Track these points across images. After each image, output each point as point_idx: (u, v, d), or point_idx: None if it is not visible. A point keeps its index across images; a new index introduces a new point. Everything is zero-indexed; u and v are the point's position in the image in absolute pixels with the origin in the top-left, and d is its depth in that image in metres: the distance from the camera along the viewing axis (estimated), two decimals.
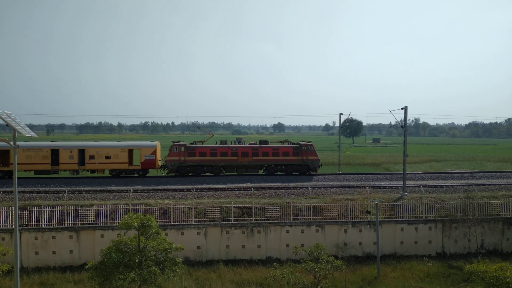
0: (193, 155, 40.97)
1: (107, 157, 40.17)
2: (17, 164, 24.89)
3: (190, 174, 41.08)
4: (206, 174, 41.45)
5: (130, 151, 41.42)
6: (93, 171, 41.04)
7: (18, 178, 24.29)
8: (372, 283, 24.54)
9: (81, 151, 40.10)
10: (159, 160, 42.52)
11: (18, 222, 22.23)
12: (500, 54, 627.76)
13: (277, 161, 41.77)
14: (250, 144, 44.28)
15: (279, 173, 42.12)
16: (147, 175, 41.72)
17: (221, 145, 42.27)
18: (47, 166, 39.29)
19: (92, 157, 39.97)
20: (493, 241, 30.61)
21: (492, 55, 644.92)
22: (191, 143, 42.60)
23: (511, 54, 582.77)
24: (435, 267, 27.14)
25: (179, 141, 43.09)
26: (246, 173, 41.81)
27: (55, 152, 39.76)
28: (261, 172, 43.06)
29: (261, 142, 43.82)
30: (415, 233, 29.86)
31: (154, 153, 41.03)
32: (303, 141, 43.85)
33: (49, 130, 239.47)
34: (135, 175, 41.26)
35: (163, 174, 41.84)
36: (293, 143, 43.94)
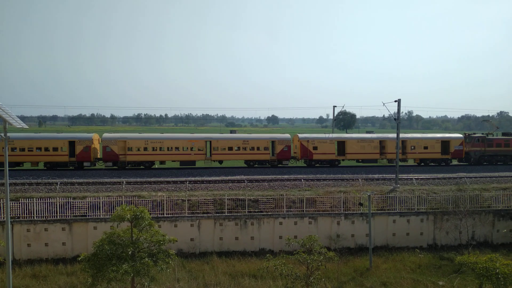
0: (492, 146, 48.63)
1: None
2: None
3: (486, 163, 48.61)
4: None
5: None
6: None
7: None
8: (364, 275, 24.77)
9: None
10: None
11: (10, 214, 22.10)
12: (493, 47, 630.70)
13: None
14: None
15: None
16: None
17: None
18: None
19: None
20: (483, 233, 31.00)
21: (485, 48, 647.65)
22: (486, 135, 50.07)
23: (504, 48, 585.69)
24: (426, 259, 27.45)
25: (474, 133, 51.12)
26: None
27: None
28: None
29: None
30: (407, 225, 30.14)
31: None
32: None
33: (41, 121, 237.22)
34: (71, 167, 41.71)
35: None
36: None
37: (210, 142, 44.27)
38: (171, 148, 43.00)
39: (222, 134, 53.54)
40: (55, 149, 41.15)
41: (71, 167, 41.91)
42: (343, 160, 47.14)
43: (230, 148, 44.08)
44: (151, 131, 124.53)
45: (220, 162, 45.66)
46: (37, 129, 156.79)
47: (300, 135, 46.51)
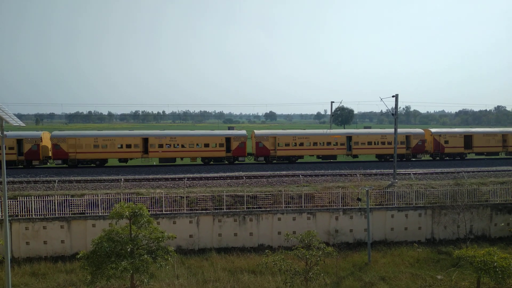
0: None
1: None
2: None
3: None
4: None
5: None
6: None
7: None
8: (363, 269, 24.85)
9: None
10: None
11: (8, 213, 22.09)
12: (494, 43, 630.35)
13: None
14: None
15: None
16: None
17: None
18: None
19: None
20: (481, 227, 31.11)
21: (485, 44, 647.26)
22: None
23: (503, 45, 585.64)
24: (424, 253, 27.55)
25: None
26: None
27: None
28: None
29: None
30: (405, 219, 30.23)
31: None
32: None
33: (38, 119, 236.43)
34: (20, 166, 41.41)
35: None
36: None
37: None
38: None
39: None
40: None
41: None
42: (469, 153, 49.20)
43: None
44: (148, 128, 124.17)
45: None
46: (35, 127, 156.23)
47: (433, 130, 48.44)
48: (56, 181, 31.53)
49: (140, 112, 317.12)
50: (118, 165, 42.95)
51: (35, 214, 27.26)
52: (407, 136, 46.97)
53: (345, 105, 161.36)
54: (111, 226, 18.83)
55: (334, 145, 45.76)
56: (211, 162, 44.13)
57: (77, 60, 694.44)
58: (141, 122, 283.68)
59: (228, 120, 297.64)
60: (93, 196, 28.32)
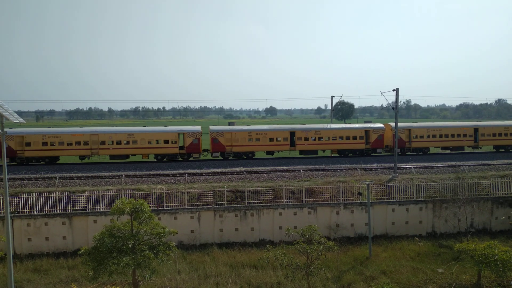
0: None
1: None
2: None
3: None
4: None
5: (180, 135, 43.42)
6: None
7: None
8: (364, 263, 24.91)
9: None
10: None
11: (10, 209, 22.13)
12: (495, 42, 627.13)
13: None
14: None
15: None
16: None
17: None
18: None
19: None
20: (482, 220, 31.14)
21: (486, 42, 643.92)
22: None
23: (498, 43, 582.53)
24: (425, 247, 27.59)
25: None
26: None
27: None
28: None
29: None
30: (406, 213, 30.25)
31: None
32: None
33: (39, 116, 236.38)
34: (180, 159, 43.33)
35: None
36: None
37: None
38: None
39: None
40: None
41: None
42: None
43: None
44: (148, 124, 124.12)
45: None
46: (36, 124, 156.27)
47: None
48: (57, 177, 31.57)
49: (140, 108, 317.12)
50: (117, 162, 42.90)
51: (36, 211, 27.33)
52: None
53: (346, 100, 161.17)
54: (113, 222, 18.86)
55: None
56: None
57: (73, 58, 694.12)
58: (141, 118, 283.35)
59: (228, 115, 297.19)
60: (94, 192, 28.37)
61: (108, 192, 28.47)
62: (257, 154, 47.36)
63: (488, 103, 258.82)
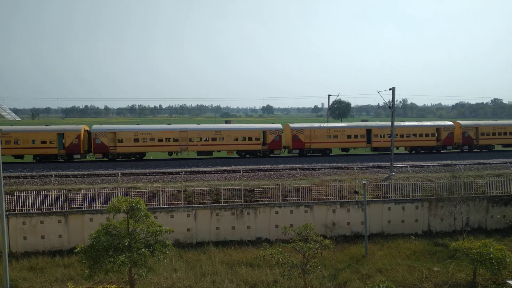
0: None
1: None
2: None
3: None
4: None
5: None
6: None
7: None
8: (360, 262, 24.98)
9: None
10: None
11: (5, 207, 22.00)
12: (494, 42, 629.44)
13: None
14: None
15: None
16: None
17: None
18: None
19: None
20: (477, 219, 31.29)
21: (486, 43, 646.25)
22: None
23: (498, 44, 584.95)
24: (421, 245, 27.69)
25: None
26: None
27: None
28: None
29: None
30: (402, 212, 30.35)
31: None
32: None
33: (34, 114, 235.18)
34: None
35: None
36: None
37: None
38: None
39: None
40: None
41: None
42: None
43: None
44: (144, 122, 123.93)
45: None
46: (31, 122, 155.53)
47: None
48: (53, 175, 31.44)
49: (137, 106, 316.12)
50: (126, 160, 42.79)
51: (32, 209, 27.21)
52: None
53: (342, 99, 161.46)
54: (109, 220, 18.80)
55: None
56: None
57: (70, 55, 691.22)
58: (137, 116, 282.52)
59: (225, 114, 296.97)
60: (90, 191, 28.27)
61: (104, 190, 28.38)
62: (333, 151, 47.64)
63: (484, 102, 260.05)
